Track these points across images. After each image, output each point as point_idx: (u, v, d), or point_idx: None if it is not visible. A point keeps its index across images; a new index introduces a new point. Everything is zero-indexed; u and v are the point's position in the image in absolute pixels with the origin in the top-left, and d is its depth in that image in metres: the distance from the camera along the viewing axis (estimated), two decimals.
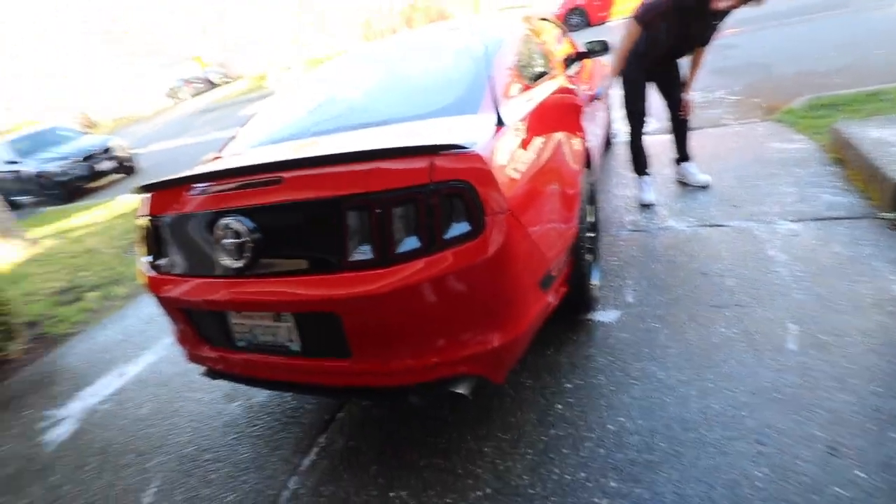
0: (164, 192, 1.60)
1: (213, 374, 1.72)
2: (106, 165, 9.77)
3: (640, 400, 1.61)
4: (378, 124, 1.67)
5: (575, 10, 12.63)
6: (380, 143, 1.49)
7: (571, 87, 2.35)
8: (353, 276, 1.25)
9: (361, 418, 1.85)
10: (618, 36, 2.82)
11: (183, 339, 1.74)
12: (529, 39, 2.24)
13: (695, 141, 3.64)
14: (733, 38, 7.01)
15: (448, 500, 1.43)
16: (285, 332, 1.42)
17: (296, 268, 1.35)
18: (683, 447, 1.41)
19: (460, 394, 1.34)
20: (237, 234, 1.37)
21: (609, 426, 1.54)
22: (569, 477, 1.41)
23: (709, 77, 5.35)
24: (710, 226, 2.61)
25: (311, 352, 1.41)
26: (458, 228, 1.22)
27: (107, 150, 9.86)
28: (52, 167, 9.26)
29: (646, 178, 3.09)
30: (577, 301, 1.90)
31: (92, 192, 9.47)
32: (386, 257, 1.23)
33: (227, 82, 26.08)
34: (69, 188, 9.33)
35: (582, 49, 3.22)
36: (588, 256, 2.04)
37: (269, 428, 1.91)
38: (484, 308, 1.29)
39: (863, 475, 1.22)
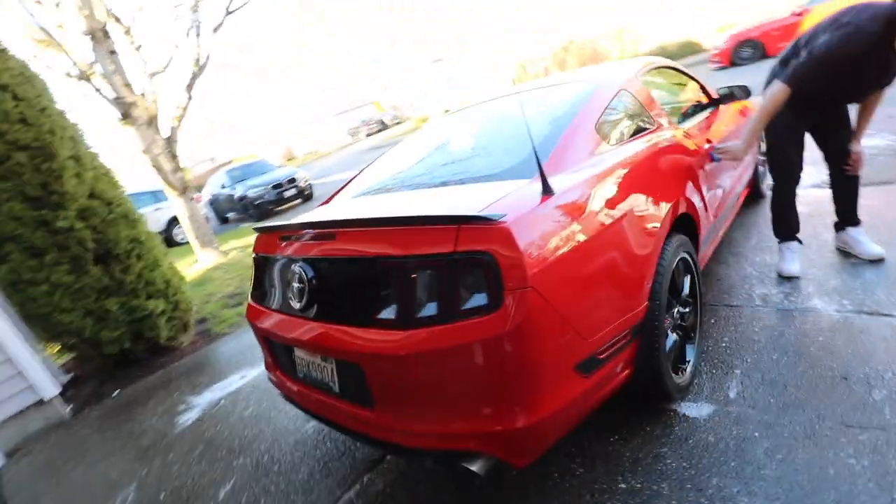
0: (264, 236, 1.89)
1: (284, 397, 1.93)
2: (290, 193, 11.78)
3: None
4: (448, 184, 1.74)
5: (746, 43, 11.14)
6: (434, 204, 1.55)
7: (681, 141, 2.12)
8: (376, 333, 1.31)
9: (405, 468, 1.87)
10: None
11: (266, 364, 2.00)
12: (633, 92, 2.10)
13: (870, 200, 2.94)
14: None
15: None
16: (329, 372, 1.53)
17: (337, 317, 1.47)
18: None
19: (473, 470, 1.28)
20: (301, 279, 1.55)
21: None
22: None
23: None
24: (870, 314, 2.05)
25: (346, 395, 1.49)
26: (477, 300, 1.19)
27: (292, 181, 11.90)
28: (251, 192, 11.51)
29: (791, 244, 2.57)
30: (648, 387, 1.66)
31: (278, 213, 11.43)
32: (406, 320, 1.26)
33: (397, 123, 29.40)
34: (262, 210, 11.47)
35: (715, 96, 2.90)
36: (673, 336, 1.79)
37: (328, 454, 2.05)
38: (498, 387, 1.22)
39: None
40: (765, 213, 3.31)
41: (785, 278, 2.50)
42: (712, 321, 2.29)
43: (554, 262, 1.25)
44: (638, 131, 1.98)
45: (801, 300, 2.30)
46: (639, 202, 1.58)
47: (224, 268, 6.32)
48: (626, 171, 1.62)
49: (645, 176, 1.68)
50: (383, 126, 29.52)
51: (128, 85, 5.52)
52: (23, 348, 3.03)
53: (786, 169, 2.51)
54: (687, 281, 1.92)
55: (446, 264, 1.22)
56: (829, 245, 2.67)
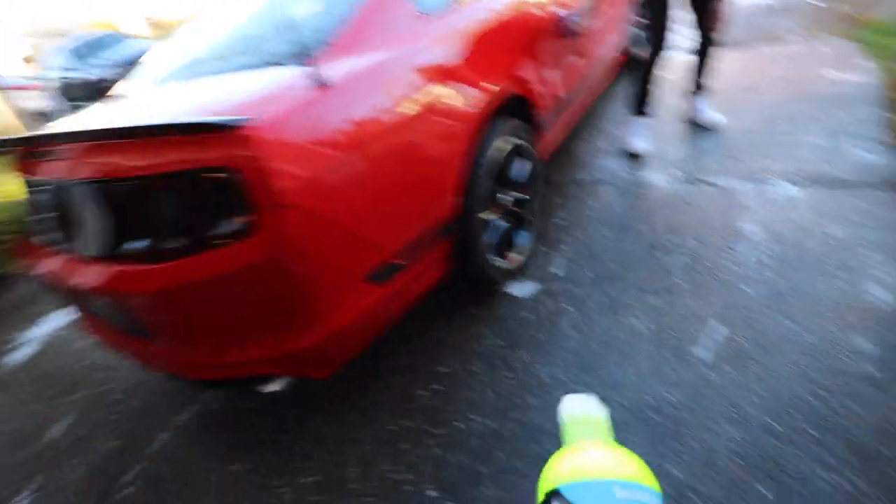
0: (20, 155, 1.50)
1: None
2: None
3: (502, 398, 1.43)
4: (229, 71, 1.42)
5: None
6: (195, 102, 1.26)
7: (522, 8, 1.88)
8: (129, 268, 1.12)
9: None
10: None
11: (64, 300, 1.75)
12: None
13: (732, 63, 2.97)
14: None
15: (275, 482, 1.40)
16: (107, 307, 1.35)
17: (91, 250, 1.23)
18: (520, 461, 1.25)
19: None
20: (50, 207, 1.28)
21: (457, 424, 1.39)
22: (396, 477, 1.31)
23: None
24: (696, 182, 2.17)
25: (126, 328, 1.34)
26: (230, 225, 1.03)
27: None
28: (109, 74, 9.60)
29: (639, 119, 2.55)
30: (470, 279, 1.68)
31: None
32: (155, 252, 1.08)
33: None
34: None
35: None
36: (503, 223, 1.77)
37: (164, 379, 1.95)
38: (274, 311, 1.11)
39: None
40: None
41: (632, 156, 2.53)
42: (558, 200, 2.32)
43: (325, 171, 1.08)
44: None
45: (640, 173, 2.37)
46: (444, 90, 1.39)
47: None
48: (435, 50, 1.40)
49: (460, 56, 1.47)
50: None
51: None
52: None
53: (650, 38, 2.35)
54: (524, 166, 1.85)
55: (191, 184, 1.02)
56: (683, 115, 2.72)
